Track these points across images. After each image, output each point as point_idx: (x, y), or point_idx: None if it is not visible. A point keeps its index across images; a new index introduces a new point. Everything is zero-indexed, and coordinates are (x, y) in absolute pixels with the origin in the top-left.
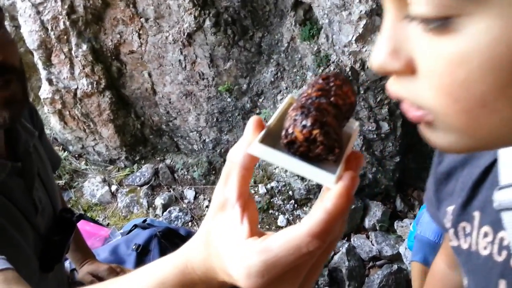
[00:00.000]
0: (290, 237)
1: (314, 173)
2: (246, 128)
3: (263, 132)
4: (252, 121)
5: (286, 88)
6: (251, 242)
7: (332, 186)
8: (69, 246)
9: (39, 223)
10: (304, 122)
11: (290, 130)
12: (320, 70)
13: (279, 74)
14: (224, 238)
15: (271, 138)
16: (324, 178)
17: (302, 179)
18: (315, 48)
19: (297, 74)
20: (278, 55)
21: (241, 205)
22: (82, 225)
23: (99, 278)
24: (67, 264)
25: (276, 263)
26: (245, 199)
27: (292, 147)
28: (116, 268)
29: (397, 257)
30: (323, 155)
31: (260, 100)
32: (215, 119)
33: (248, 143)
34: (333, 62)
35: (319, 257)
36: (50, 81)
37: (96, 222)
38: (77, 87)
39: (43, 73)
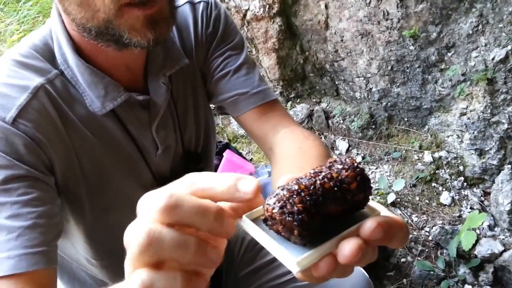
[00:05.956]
0: None
1: (278, 251)
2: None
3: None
4: (255, 184)
5: (485, 45)
6: None
7: (292, 269)
8: None
9: (158, 163)
10: (269, 201)
11: (264, 207)
12: None
13: (480, 27)
14: None
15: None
16: (285, 259)
17: (480, 154)
18: None
19: (502, 31)
20: (483, 5)
21: None
22: (229, 155)
23: None
24: None
25: None
26: None
27: (267, 223)
28: None
29: None
30: (284, 234)
31: (450, 54)
32: (389, 67)
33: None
34: None
35: None
36: None
37: (241, 154)
38: (248, 8)
39: None
